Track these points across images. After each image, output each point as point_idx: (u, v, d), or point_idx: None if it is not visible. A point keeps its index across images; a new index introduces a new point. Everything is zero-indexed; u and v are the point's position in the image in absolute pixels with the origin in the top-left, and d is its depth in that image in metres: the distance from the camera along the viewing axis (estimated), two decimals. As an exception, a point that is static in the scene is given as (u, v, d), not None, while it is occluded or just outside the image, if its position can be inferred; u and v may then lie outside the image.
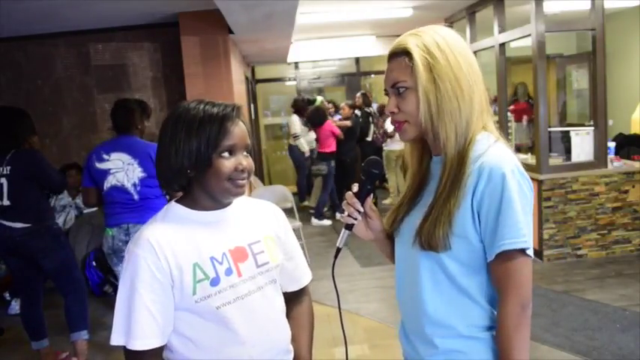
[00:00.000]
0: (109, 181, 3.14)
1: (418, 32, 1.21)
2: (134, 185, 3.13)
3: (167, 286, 1.21)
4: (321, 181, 6.92)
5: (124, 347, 1.21)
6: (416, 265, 1.22)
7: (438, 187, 1.19)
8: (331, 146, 6.84)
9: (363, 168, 1.33)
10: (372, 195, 1.32)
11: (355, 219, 1.30)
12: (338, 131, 6.86)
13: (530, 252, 1.13)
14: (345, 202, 1.31)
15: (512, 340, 1.12)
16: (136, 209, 3.15)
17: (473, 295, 1.18)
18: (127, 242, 3.12)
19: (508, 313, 1.12)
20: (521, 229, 1.11)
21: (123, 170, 3.13)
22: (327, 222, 6.89)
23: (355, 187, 1.31)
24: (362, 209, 1.30)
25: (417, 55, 1.17)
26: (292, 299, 1.46)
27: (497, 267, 1.14)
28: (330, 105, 8.09)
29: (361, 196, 1.30)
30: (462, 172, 1.16)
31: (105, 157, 3.16)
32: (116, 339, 1.21)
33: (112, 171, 3.14)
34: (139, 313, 1.19)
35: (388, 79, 1.23)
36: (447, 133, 1.17)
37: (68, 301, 3.34)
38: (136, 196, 3.15)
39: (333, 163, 6.84)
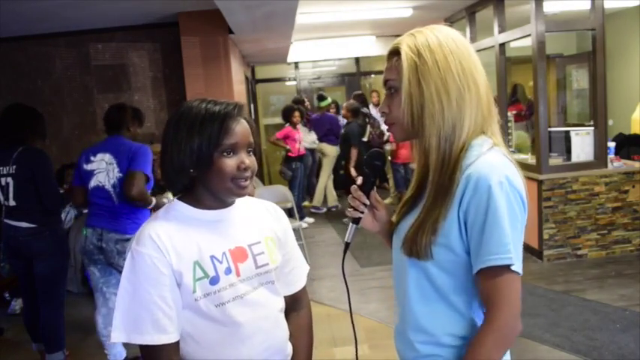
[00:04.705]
0: (93, 182, 3.14)
1: (415, 32, 1.20)
2: (114, 186, 3.10)
3: (173, 281, 1.21)
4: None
5: (142, 346, 1.20)
6: (405, 270, 1.22)
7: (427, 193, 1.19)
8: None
9: (365, 161, 1.34)
10: (375, 187, 1.33)
11: (362, 212, 1.31)
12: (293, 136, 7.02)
13: (516, 268, 1.07)
14: (350, 196, 1.32)
15: (492, 354, 1.08)
16: (114, 215, 3.10)
17: (456, 306, 1.16)
18: (98, 247, 3.09)
19: (499, 328, 1.08)
20: (507, 244, 1.06)
21: (104, 171, 3.12)
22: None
23: (359, 181, 1.32)
24: (368, 202, 1.31)
25: (405, 56, 1.16)
26: (289, 308, 1.44)
27: (485, 282, 1.09)
28: (333, 105, 8.08)
29: (366, 189, 1.31)
30: (451, 181, 1.12)
31: (92, 158, 3.16)
32: (117, 336, 1.19)
33: (95, 172, 3.14)
34: (149, 309, 1.18)
35: (383, 78, 1.24)
36: (429, 136, 1.15)
37: (43, 314, 3.22)
38: (115, 199, 3.10)
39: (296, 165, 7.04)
